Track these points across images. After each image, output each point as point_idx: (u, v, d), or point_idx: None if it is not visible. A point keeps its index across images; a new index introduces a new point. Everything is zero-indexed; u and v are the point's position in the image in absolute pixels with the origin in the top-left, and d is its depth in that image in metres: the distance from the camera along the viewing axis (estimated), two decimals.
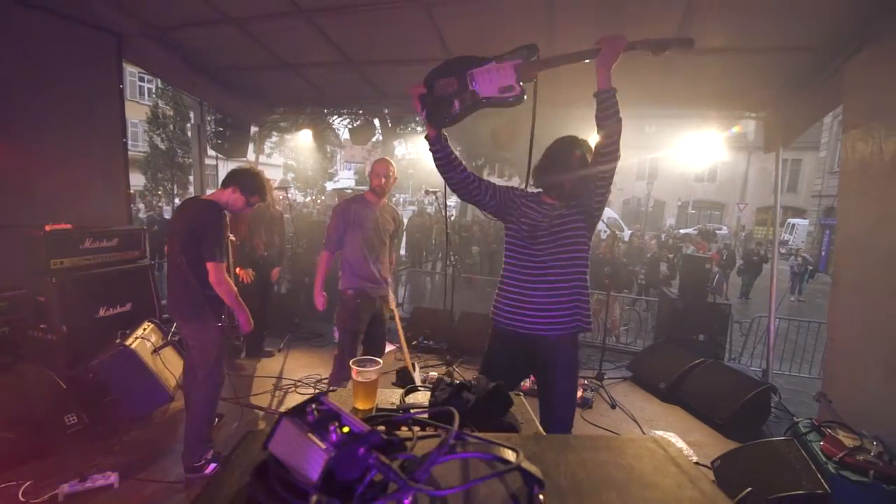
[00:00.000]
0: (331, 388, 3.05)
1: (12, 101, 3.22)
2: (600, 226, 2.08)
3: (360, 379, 1.15)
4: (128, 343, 3.06)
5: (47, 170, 3.41)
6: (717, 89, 4.02)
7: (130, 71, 20.56)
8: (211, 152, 5.83)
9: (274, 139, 19.41)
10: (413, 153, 24.60)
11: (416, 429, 0.75)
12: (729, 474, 2.70)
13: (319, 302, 3.09)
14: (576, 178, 1.89)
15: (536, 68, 1.71)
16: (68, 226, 3.23)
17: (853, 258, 3.10)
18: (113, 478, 2.45)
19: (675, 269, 8.72)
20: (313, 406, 0.58)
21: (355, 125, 6.01)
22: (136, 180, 18.09)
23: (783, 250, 19.87)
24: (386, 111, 7.85)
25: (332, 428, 0.53)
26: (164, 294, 2.99)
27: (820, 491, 2.22)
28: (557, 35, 3.33)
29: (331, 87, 5.07)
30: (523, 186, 2.10)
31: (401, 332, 3.23)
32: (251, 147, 6.62)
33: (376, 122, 8.57)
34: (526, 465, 0.53)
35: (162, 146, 18.06)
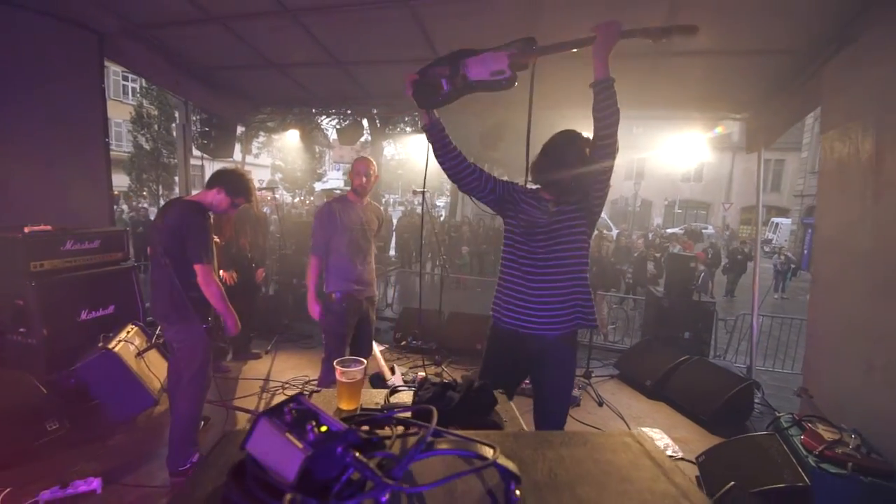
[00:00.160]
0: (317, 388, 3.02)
1: None
2: None
3: (343, 379, 1.14)
4: (111, 346, 3.01)
5: (26, 170, 3.34)
6: (700, 91, 4.08)
7: (114, 70, 20.22)
8: (196, 152, 5.76)
9: (261, 139, 19.27)
10: (402, 153, 24.61)
11: (400, 428, 0.76)
12: (713, 469, 2.74)
13: (315, 311, 3.00)
14: (574, 174, 1.83)
15: (530, 55, 1.70)
16: (48, 227, 3.16)
17: (831, 257, 3.17)
18: (96, 483, 2.40)
19: (661, 268, 8.82)
20: (291, 406, 0.58)
21: (343, 125, 5.98)
22: (121, 181, 17.79)
23: (767, 249, 20.26)
24: (374, 111, 7.84)
25: (309, 427, 0.53)
26: (148, 296, 2.94)
27: (800, 484, 2.27)
28: (543, 37, 3.35)
29: (318, 86, 5.05)
30: (523, 183, 2.06)
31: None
32: (238, 147, 6.56)
33: (365, 122, 8.54)
34: (502, 461, 0.53)
35: (147, 146, 17.78)
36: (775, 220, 23.68)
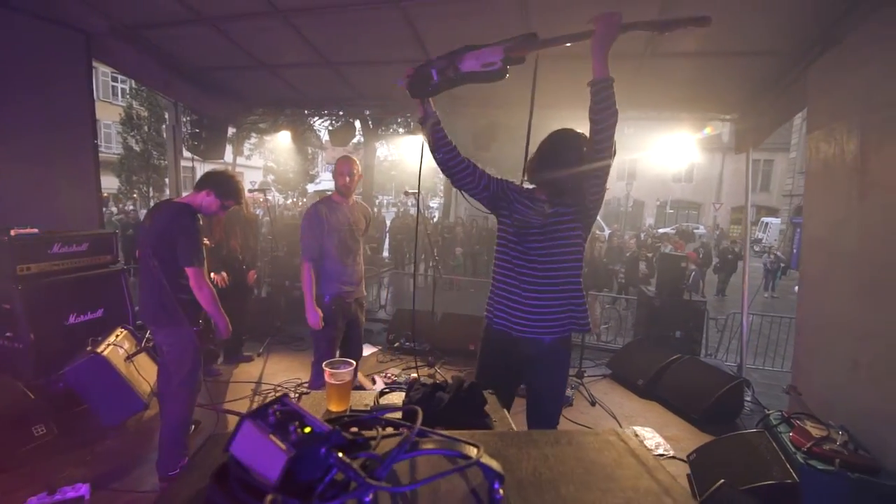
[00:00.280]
0: (306, 390, 3.00)
1: None
2: None
3: (333, 381, 1.14)
4: (99, 350, 2.97)
5: (12, 172, 3.29)
6: (688, 92, 4.12)
7: (103, 71, 20.02)
8: (187, 154, 5.72)
9: (253, 140, 19.16)
10: (395, 154, 24.59)
11: (389, 428, 0.76)
12: (704, 467, 2.77)
13: (314, 319, 2.86)
14: (569, 173, 1.77)
15: (525, 49, 1.66)
16: (35, 230, 3.12)
17: (818, 256, 3.22)
18: (84, 489, 2.37)
19: (653, 268, 8.89)
20: (276, 408, 0.58)
21: (335, 126, 5.97)
22: (110, 183, 17.61)
23: (757, 248, 20.48)
24: (367, 112, 7.83)
25: (292, 428, 0.53)
26: (137, 299, 2.92)
27: (789, 480, 2.30)
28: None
29: (309, 87, 5.03)
30: (519, 182, 2.01)
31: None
32: (229, 149, 6.52)
33: (357, 123, 8.52)
34: (485, 460, 0.54)
35: (136, 148, 17.62)
36: (765, 219, 23.97)
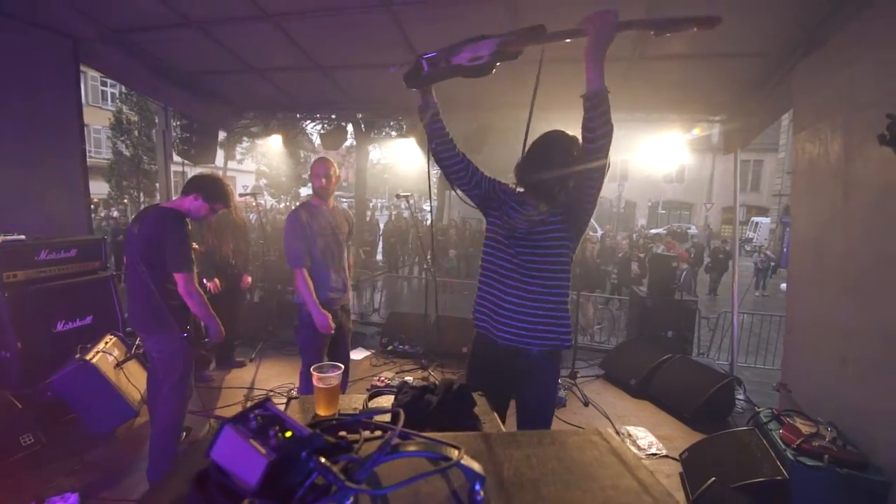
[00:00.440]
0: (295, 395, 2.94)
1: None
2: None
3: (320, 385, 1.14)
4: (88, 358, 2.94)
5: None
6: (676, 94, 4.17)
7: (92, 76, 19.86)
8: (178, 158, 5.68)
9: (245, 144, 19.06)
10: (388, 157, 24.58)
11: (372, 432, 0.76)
12: (696, 465, 2.79)
13: (323, 322, 2.73)
14: (557, 175, 1.69)
15: (516, 43, 1.56)
16: (22, 237, 3.09)
17: (806, 255, 3.26)
18: (73, 499, 2.34)
19: (645, 269, 8.95)
20: (257, 412, 0.58)
21: (326, 130, 5.96)
22: (101, 188, 17.45)
23: (748, 248, 20.69)
24: (359, 116, 7.82)
25: (272, 433, 0.53)
26: (127, 306, 2.89)
27: (779, 477, 2.32)
28: None
29: (301, 91, 5.03)
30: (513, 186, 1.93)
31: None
32: (220, 153, 6.49)
33: (350, 126, 8.51)
34: (466, 461, 0.54)
35: (127, 153, 17.47)
36: (755, 219, 24.23)
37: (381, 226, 14.40)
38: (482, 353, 1.89)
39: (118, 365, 3.13)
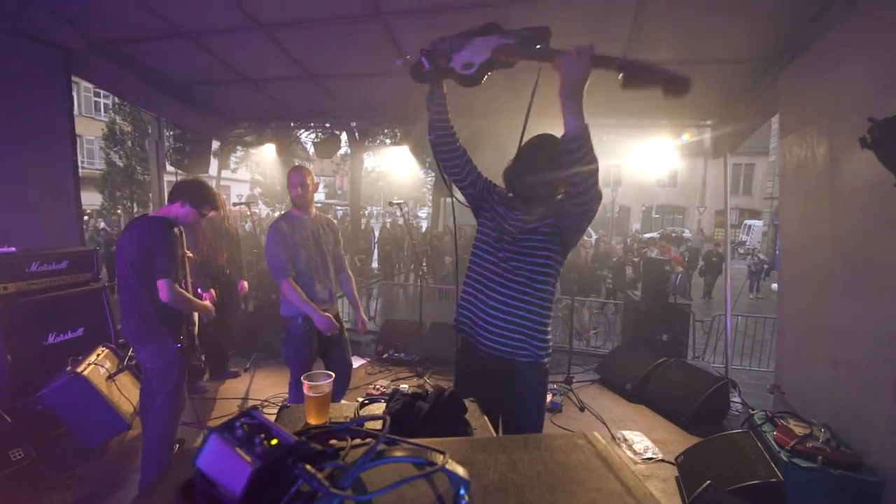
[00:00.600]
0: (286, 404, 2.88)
1: None
2: None
3: (311, 394, 1.14)
4: (79, 370, 2.91)
5: None
6: (665, 99, 4.22)
7: (85, 87, 19.85)
8: (171, 168, 5.68)
9: (239, 153, 19.05)
10: (382, 165, 24.66)
11: (364, 439, 0.76)
12: (692, 469, 2.79)
13: (327, 325, 2.69)
14: (542, 180, 1.65)
15: (512, 53, 1.49)
16: (12, 249, 3.07)
17: (796, 257, 3.29)
18: None
19: (640, 273, 8.99)
20: (243, 421, 0.58)
21: (320, 139, 5.98)
22: (94, 199, 17.36)
23: (741, 251, 20.85)
24: (353, 124, 7.85)
25: (257, 441, 0.53)
26: (119, 317, 2.87)
27: (773, 479, 2.33)
28: None
29: (294, 101, 5.05)
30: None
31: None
32: (214, 162, 6.50)
33: (344, 135, 8.53)
34: (451, 466, 0.54)
35: (120, 163, 17.43)
36: (748, 222, 24.46)
37: (377, 233, 14.39)
38: (467, 360, 1.84)
39: (110, 377, 3.10)
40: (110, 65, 3.98)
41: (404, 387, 3.88)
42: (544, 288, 1.70)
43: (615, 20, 3.07)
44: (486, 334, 1.71)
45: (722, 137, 4.41)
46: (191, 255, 3.02)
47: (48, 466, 2.72)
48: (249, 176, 25.53)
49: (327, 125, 5.98)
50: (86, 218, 15.00)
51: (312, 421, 1.14)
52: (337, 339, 2.89)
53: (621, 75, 1.36)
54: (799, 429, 2.57)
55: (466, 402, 1.24)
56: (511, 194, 1.82)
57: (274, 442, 0.55)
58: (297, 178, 2.81)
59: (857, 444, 2.41)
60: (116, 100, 17.26)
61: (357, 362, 4.87)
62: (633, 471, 0.66)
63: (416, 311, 5.05)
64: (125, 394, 3.13)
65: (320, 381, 1.15)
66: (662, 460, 3.08)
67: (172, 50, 3.85)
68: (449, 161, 1.79)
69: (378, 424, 0.85)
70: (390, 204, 4.67)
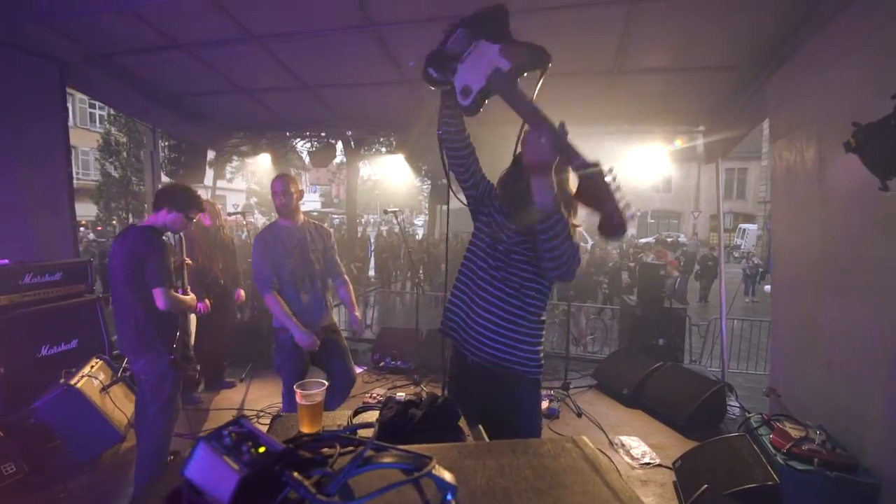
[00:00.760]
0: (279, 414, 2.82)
1: None
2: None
3: (303, 402, 1.14)
4: (72, 382, 2.89)
5: None
6: (658, 106, 4.27)
7: (80, 98, 19.86)
8: (167, 179, 5.68)
9: (235, 163, 19.08)
10: (378, 174, 24.72)
11: (357, 447, 0.76)
12: (689, 473, 2.79)
13: (307, 342, 2.64)
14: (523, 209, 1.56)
15: (497, 84, 1.41)
16: (5, 261, 3.06)
17: (788, 260, 3.32)
18: None
19: (636, 278, 9.02)
20: (231, 429, 0.59)
21: (315, 148, 6.00)
22: (89, 210, 17.30)
23: (736, 254, 20.95)
24: (349, 133, 7.88)
25: (244, 449, 0.54)
26: (114, 328, 2.85)
27: (770, 482, 2.33)
28: None
29: (288, 111, 5.07)
30: None
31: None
32: (210, 172, 6.50)
33: (339, 144, 8.56)
34: (437, 471, 0.55)
35: (115, 174, 17.40)
36: (742, 226, 24.61)
37: (373, 241, 14.39)
38: (457, 367, 1.81)
39: (104, 389, 3.08)
40: (105, 76, 4.00)
41: (401, 395, 3.87)
42: (534, 300, 1.67)
43: (605, 30, 3.12)
44: (474, 342, 1.68)
45: (713, 143, 4.46)
46: (189, 262, 3.02)
47: (40, 480, 2.70)
48: (245, 185, 25.55)
49: (323, 134, 6.01)
50: (82, 229, 14.97)
51: (305, 429, 1.14)
52: (332, 349, 2.84)
53: (578, 177, 1.31)
54: (795, 431, 2.57)
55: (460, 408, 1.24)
56: (506, 202, 1.75)
57: (262, 450, 0.55)
58: (279, 187, 2.75)
59: (853, 445, 2.41)
60: (112, 111, 17.28)
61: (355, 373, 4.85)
62: (620, 474, 0.66)
63: (413, 319, 5.05)
64: (119, 406, 3.11)
65: (312, 390, 1.15)
66: (660, 465, 3.08)
67: (167, 61, 3.87)
68: (456, 159, 1.73)
69: (370, 432, 0.86)
70: (385, 212, 4.68)
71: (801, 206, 3.03)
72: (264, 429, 0.63)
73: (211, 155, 6.29)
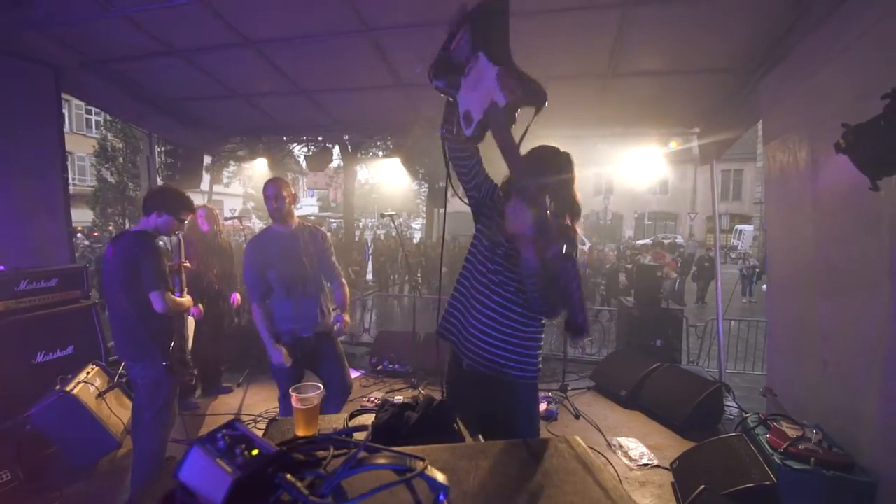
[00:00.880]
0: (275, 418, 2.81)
1: None
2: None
3: (299, 406, 1.14)
4: (68, 389, 2.88)
5: None
6: (652, 109, 4.30)
7: (77, 104, 19.85)
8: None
9: (232, 168, 19.07)
10: (375, 177, 24.74)
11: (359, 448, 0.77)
12: (687, 474, 2.79)
13: (276, 358, 2.64)
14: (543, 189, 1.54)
15: (496, 120, 1.33)
16: (1, 267, 3.05)
17: (782, 259, 3.34)
18: None
19: (633, 279, 9.05)
20: (225, 432, 0.59)
21: (311, 152, 6.01)
22: (85, 216, 17.25)
23: (733, 255, 21.04)
24: (346, 137, 7.89)
25: (238, 451, 0.54)
26: (110, 335, 2.84)
27: (767, 482, 2.33)
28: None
29: (285, 115, 5.08)
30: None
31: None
32: (206, 177, 6.49)
33: (336, 148, 8.56)
34: (430, 472, 0.55)
35: (111, 180, 17.36)
36: (739, 227, 24.73)
37: (371, 245, 14.38)
38: (455, 371, 1.80)
39: (100, 395, 3.06)
40: (101, 82, 4.00)
41: (398, 398, 3.85)
42: (525, 310, 1.64)
43: (600, 33, 3.14)
44: (471, 346, 1.67)
45: (708, 145, 4.49)
46: (188, 265, 3.01)
47: (36, 487, 2.68)
48: (242, 190, 25.54)
49: (319, 138, 6.02)
50: (79, 235, 14.91)
51: (301, 433, 1.14)
52: (327, 356, 2.80)
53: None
54: (792, 431, 2.58)
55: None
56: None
57: (255, 452, 0.56)
58: (272, 191, 2.68)
59: (849, 444, 2.42)
60: (108, 116, 17.25)
61: (351, 374, 4.83)
62: (615, 473, 0.67)
63: (411, 323, 5.04)
64: (116, 412, 3.09)
65: (308, 394, 1.16)
66: (658, 466, 3.08)
67: (164, 67, 3.88)
68: (459, 160, 1.69)
69: (364, 435, 0.86)
70: (382, 215, 4.68)
71: (794, 206, 3.05)
72: (261, 434, 0.64)
73: (207, 160, 6.28)
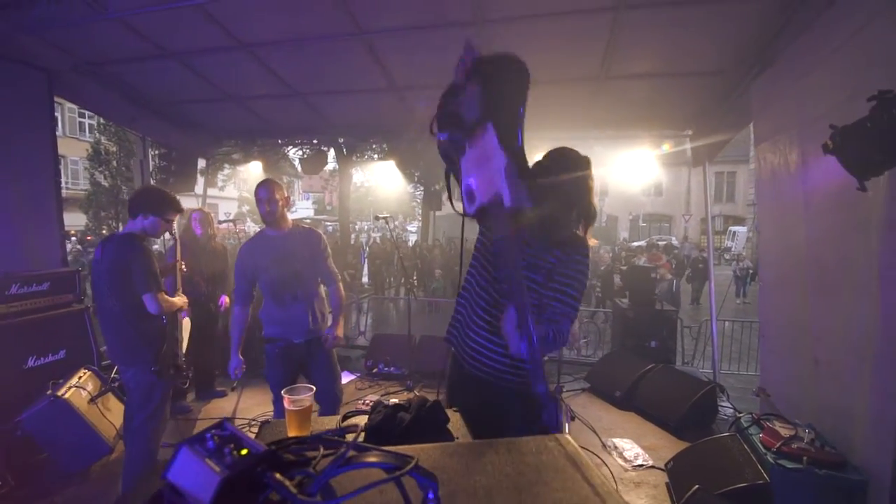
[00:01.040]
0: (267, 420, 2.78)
1: None
2: None
3: (292, 407, 1.14)
4: (60, 393, 2.85)
5: None
6: (645, 111, 4.34)
7: (70, 107, 19.74)
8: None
9: (226, 171, 19.00)
10: (371, 180, 24.75)
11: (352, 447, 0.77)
12: (681, 474, 2.80)
13: (232, 367, 2.65)
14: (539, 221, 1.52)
15: (499, 221, 1.27)
16: None
17: (774, 260, 3.37)
18: None
19: (626, 281, 9.08)
20: (214, 432, 0.59)
21: (306, 155, 6.01)
22: (78, 219, 17.12)
23: (727, 256, 21.18)
24: (340, 140, 7.89)
25: (227, 451, 0.54)
26: (103, 339, 2.81)
27: (760, 481, 2.35)
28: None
29: (279, 118, 5.08)
30: None
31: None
32: (201, 180, 6.47)
33: (331, 151, 8.56)
34: (419, 469, 0.56)
35: (105, 183, 17.25)
36: (733, 228, 24.91)
37: (366, 248, 14.36)
38: (456, 376, 1.79)
39: (92, 400, 3.04)
40: (94, 85, 3.98)
41: (393, 400, 3.84)
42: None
43: (591, 37, 3.17)
44: (471, 352, 1.66)
45: (700, 147, 4.53)
46: (184, 266, 2.99)
47: (27, 493, 2.66)
48: (237, 193, 25.42)
49: (314, 141, 6.02)
50: (73, 239, 14.79)
51: (293, 434, 1.14)
52: (318, 363, 2.74)
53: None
54: (784, 430, 2.59)
55: (449, 412, 1.25)
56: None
57: (244, 452, 0.56)
58: (264, 194, 2.60)
59: (842, 442, 2.44)
60: (101, 120, 17.14)
61: (347, 378, 4.82)
62: (600, 471, 0.67)
63: (406, 325, 5.04)
64: (108, 416, 3.07)
65: (300, 395, 1.16)
66: (653, 467, 3.09)
67: (158, 70, 3.87)
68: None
69: (355, 435, 0.86)
70: (377, 218, 4.68)
71: (785, 207, 3.08)
72: (243, 432, 0.64)
73: (202, 163, 6.26)
